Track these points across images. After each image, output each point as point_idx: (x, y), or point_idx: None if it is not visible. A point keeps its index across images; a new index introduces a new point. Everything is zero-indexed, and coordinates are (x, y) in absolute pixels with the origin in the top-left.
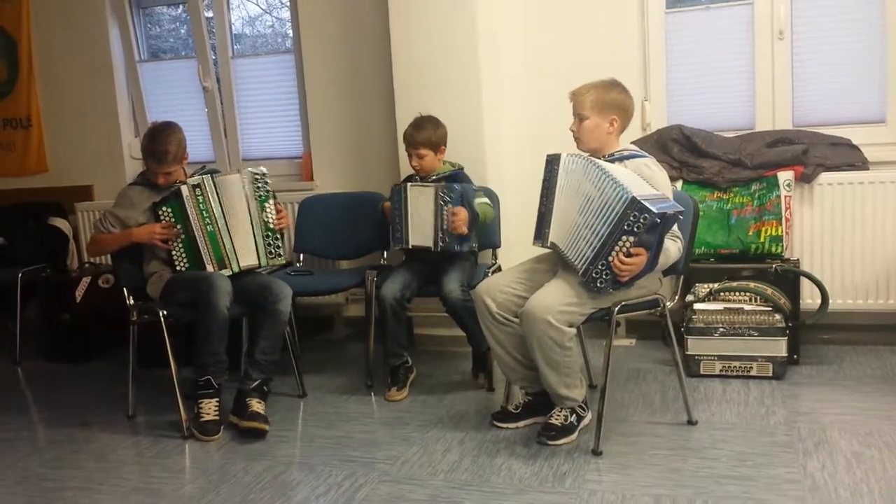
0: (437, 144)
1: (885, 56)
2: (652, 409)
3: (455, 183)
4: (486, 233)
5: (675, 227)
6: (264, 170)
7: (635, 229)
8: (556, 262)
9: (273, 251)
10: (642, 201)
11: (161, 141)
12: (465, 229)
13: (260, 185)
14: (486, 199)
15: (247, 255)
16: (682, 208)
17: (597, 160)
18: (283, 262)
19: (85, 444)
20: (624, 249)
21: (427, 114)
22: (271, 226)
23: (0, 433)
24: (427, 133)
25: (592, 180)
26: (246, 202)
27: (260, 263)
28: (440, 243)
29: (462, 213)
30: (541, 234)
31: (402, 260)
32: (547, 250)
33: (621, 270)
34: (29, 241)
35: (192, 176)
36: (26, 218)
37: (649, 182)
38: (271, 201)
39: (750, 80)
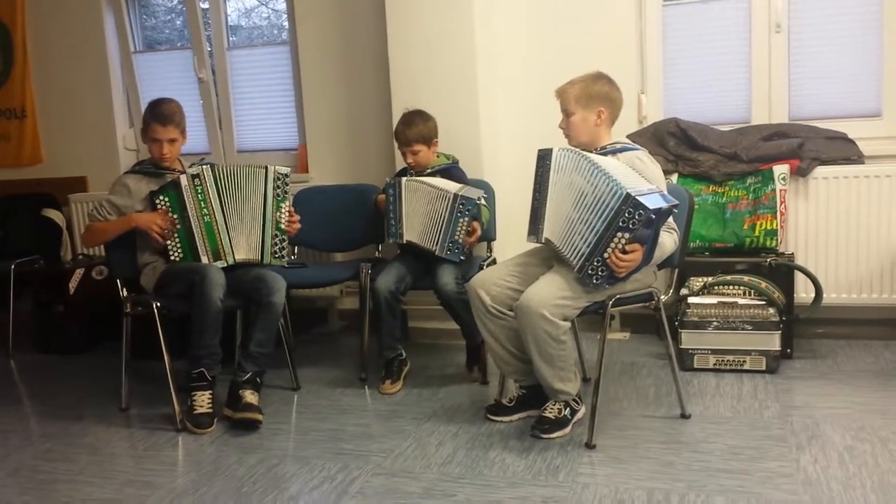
0: (430, 138)
1: (882, 50)
2: (646, 402)
3: (470, 187)
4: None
5: (670, 219)
6: (288, 171)
7: (630, 226)
8: (551, 256)
9: (278, 251)
10: (637, 197)
11: (166, 105)
12: (474, 245)
13: (280, 184)
14: (484, 203)
15: (245, 248)
16: (676, 202)
17: (588, 154)
18: (285, 263)
19: (78, 436)
20: (619, 246)
21: (414, 108)
22: (282, 226)
23: None
24: (418, 129)
25: (584, 175)
26: (263, 198)
27: (262, 261)
28: (447, 251)
29: (478, 231)
30: (535, 229)
31: (396, 253)
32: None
33: (618, 267)
34: (22, 233)
35: (190, 167)
36: (20, 209)
37: (641, 175)
38: (287, 203)
39: (746, 74)
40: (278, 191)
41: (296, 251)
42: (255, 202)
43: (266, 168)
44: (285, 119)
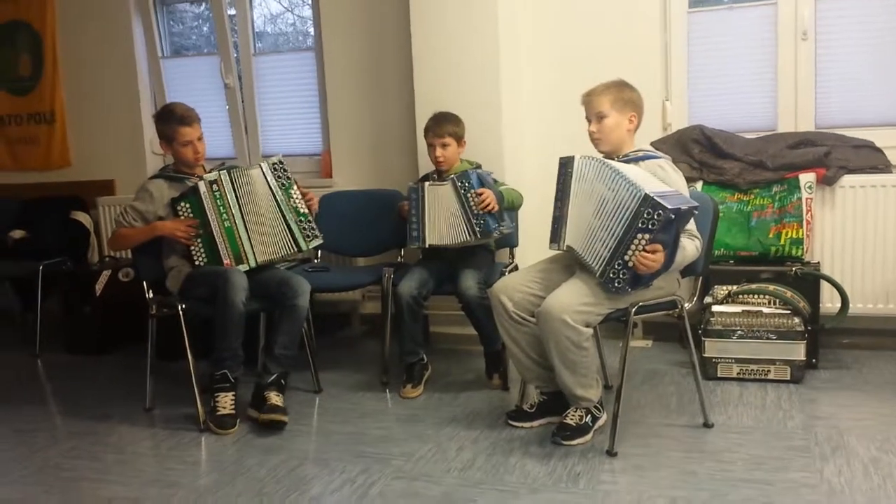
0: (460, 136)
1: None
2: (668, 410)
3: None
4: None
5: (693, 227)
6: (280, 157)
7: (650, 226)
8: (573, 262)
9: (310, 234)
10: (656, 198)
11: (179, 107)
12: (496, 205)
13: (280, 173)
14: (508, 186)
15: (274, 247)
16: (696, 203)
17: (610, 161)
18: (321, 241)
19: (103, 435)
20: (640, 247)
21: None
22: (302, 210)
23: (19, 424)
24: (451, 124)
25: (606, 182)
26: (272, 193)
27: (300, 248)
28: (478, 229)
29: (487, 191)
30: (556, 237)
31: (419, 258)
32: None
33: (641, 265)
34: (50, 235)
35: (210, 172)
36: (48, 211)
37: (663, 182)
38: (295, 186)
39: (772, 81)
40: (281, 180)
41: (319, 255)
42: (268, 200)
43: (259, 166)
44: (310, 124)
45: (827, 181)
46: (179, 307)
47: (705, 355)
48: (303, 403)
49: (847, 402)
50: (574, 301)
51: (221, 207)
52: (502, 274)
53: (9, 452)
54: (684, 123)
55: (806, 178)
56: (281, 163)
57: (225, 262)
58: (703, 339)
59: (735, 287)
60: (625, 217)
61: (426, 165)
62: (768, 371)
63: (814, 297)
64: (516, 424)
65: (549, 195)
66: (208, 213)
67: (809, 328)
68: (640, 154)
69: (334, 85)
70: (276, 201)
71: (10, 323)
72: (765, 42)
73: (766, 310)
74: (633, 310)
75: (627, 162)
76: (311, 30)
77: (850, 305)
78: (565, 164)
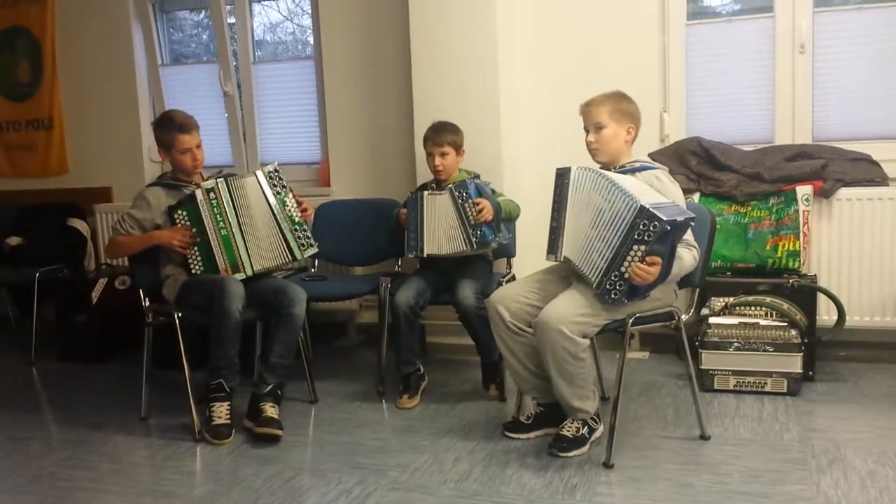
0: (459, 145)
1: None
2: (665, 422)
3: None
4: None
5: (690, 237)
6: (276, 165)
7: (646, 238)
8: (570, 273)
9: (304, 243)
10: (651, 209)
11: (179, 114)
12: (490, 214)
13: (276, 181)
14: (505, 197)
15: (269, 255)
16: (692, 215)
17: (606, 172)
18: (316, 250)
19: (98, 444)
20: (636, 259)
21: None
22: (297, 219)
23: (14, 432)
24: (450, 133)
25: (603, 193)
26: (266, 201)
27: (295, 257)
28: (474, 239)
29: (484, 201)
30: (553, 248)
31: (416, 267)
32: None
33: (637, 276)
34: (47, 242)
35: (207, 179)
36: (46, 218)
37: (660, 193)
38: (290, 195)
39: (770, 94)
40: (277, 188)
41: (316, 264)
42: (262, 208)
43: (255, 174)
44: (308, 133)
45: (824, 194)
46: (176, 315)
47: (702, 367)
48: (299, 413)
49: (844, 415)
50: (571, 312)
51: (218, 216)
52: (499, 284)
53: (3, 461)
54: (682, 135)
55: (803, 190)
56: (276, 171)
57: (222, 270)
58: (699, 350)
59: (732, 299)
60: (621, 228)
61: (424, 174)
62: (765, 383)
63: (810, 310)
64: (513, 436)
65: (547, 205)
66: (205, 222)
67: (806, 340)
68: (637, 165)
69: (333, 94)
70: (272, 209)
71: (6, 330)
72: (763, 55)
73: (762, 322)
74: (630, 321)
75: (624, 173)
76: (311, 39)
77: (847, 318)
78: (562, 175)
